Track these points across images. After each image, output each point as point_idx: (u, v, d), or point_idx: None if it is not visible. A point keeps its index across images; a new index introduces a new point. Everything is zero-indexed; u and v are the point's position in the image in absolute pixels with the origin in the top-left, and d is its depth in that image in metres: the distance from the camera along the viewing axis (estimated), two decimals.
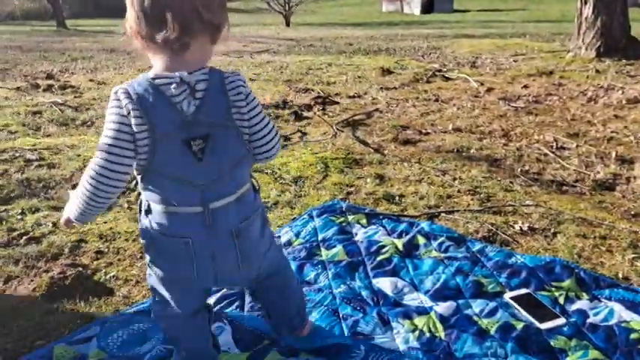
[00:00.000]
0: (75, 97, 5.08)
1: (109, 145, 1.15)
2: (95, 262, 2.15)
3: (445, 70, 6.62)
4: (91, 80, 6.07)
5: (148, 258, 1.35)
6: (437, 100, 4.95)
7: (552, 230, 2.39)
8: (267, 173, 3.12)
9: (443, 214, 2.55)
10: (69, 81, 6.03)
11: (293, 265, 2.09)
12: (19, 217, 2.50)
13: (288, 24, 20.13)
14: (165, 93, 1.15)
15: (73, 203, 1.26)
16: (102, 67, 7.42)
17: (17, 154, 3.19)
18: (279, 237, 2.34)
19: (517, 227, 2.41)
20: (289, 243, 2.29)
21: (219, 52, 9.99)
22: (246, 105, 1.23)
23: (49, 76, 6.40)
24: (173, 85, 1.14)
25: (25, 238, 2.30)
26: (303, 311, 1.66)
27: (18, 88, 5.41)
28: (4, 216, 2.49)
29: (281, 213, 2.62)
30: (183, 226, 1.24)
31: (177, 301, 1.37)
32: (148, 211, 1.26)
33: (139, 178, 1.24)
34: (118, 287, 1.97)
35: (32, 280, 1.98)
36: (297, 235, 2.34)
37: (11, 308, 1.82)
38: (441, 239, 2.27)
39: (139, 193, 1.27)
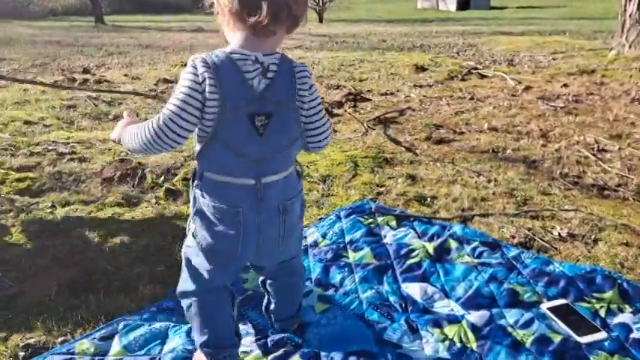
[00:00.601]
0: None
1: (178, 106, 1.21)
2: (121, 258, 2.14)
3: (481, 67, 6.45)
4: (125, 75, 6.15)
5: (193, 227, 1.38)
6: (472, 99, 4.82)
7: (593, 237, 2.27)
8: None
9: (477, 218, 2.46)
10: (104, 75, 6.11)
11: (318, 267, 2.04)
12: (49, 210, 2.52)
13: (321, 20, 20.08)
14: (241, 68, 1.23)
15: (129, 134, 1.30)
16: (137, 62, 7.51)
17: (50, 148, 3.22)
18: (305, 237, 2.28)
19: (555, 233, 2.30)
20: (315, 244, 2.23)
21: None
22: (309, 95, 1.33)
23: (86, 71, 6.51)
24: (248, 62, 1.23)
25: (54, 231, 2.31)
26: (300, 309, 1.72)
27: (54, 82, 5.51)
28: (34, 208, 2.52)
29: (308, 212, 2.57)
30: (235, 197, 1.30)
31: (213, 273, 1.40)
32: (202, 180, 1.32)
33: (198, 147, 1.30)
34: (143, 284, 1.95)
35: (59, 274, 1.98)
36: (324, 235, 2.29)
37: (37, 303, 1.82)
38: (474, 244, 2.18)
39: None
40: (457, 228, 2.31)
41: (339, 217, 2.43)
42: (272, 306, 1.67)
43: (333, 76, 6.09)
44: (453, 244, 2.18)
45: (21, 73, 6.45)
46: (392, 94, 5.12)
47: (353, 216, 2.41)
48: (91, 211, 2.54)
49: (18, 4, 23.47)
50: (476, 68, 6.37)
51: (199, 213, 1.34)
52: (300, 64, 1.32)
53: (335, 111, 4.43)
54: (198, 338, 1.47)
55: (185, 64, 1.27)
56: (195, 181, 1.35)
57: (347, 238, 2.24)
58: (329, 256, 2.11)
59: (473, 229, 2.32)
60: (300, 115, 1.32)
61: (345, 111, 4.41)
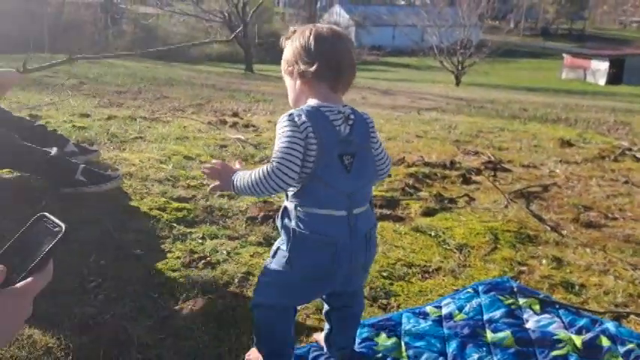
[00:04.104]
0: (255, 135, 5.52)
1: (287, 153, 1.43)
2: None
3: (636, 149, 5.95)
4: (269, 122, 6.57)
5: (287, 255, 1.53)
6: (626, 183, 4.45)
7: None
8: (429, 235, 3.03)
9: (633, 317, 2.22)
10: (251, 120, 6.59)
11: (455, 342, 1.96)
12: (200, 240, 2.73)
13: (458, 83, 20.04)
14: (329, 117, 1.50)
15: (242, 178, 1.52)
16: (279, 110, 8.01)
17: (205, 182, 3.51)
18: (441, 307, 2.22)
19: None
20: (451, 316, 2.16)
21: (386, 105, 10.21)
22: (376, 137, 1.63)
23: (235, 114, 7.07)
24: (334, 112, 1.51)
25: (202, 262, 2.49)
26: (355, 341, 1.89)
27: (209, 123, 6.05)
28: (188, 237, 2.74)
29: (443, 281, 2.50)
30: (332, 227, 1.49)
31: (300, 298, 1.66)
32: (299, 215, 1.50)
33: (296, 186, 1.49)
34: None
35: (205, 305, 2.11)
36: (460, 309, 2.20)
37: (185, 328, 1.95)
38: (630, 345, 1.96)
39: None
40: (610, 324, 2.10)
41: (476, 292, 2.34)
42: (332, 336, 1.81)
43: (471, 142, 5.99)
44: (605, 342, 1.99)
45: (180, 112, 7.18)
46: (535, 167, 4.90)
47: (492, 293, 2.31)
48: (235, 246, 2.70)
49: (180, 49, 26.49)
50: (630, 149, 5.89)
51: (296, 243, 1.50)
52: (366, 114, 1.61)
53: (473, 178, 4.33)
54: (260, 343, 1.70)
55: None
56: (290, 216, 1.52)
57: (485, 316, 2.14)
58: (465, 331, 2.03)
59: (628, 329, 2.10)
60: (373, 154, 1.60)
61: (487, 179, 4.29)
